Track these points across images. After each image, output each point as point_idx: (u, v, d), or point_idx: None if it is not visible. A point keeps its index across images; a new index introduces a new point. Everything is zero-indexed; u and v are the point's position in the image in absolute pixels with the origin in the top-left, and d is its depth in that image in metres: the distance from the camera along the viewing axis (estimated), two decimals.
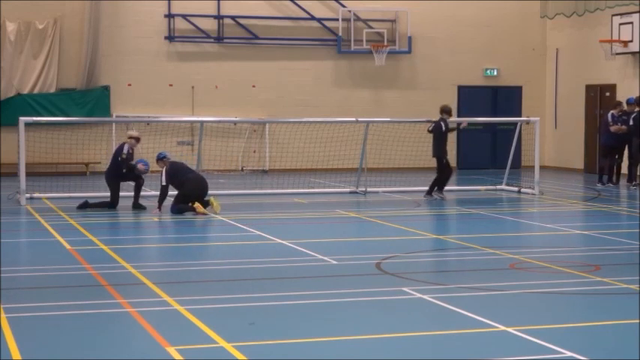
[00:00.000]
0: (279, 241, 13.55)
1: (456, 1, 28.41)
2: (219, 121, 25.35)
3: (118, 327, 8.37)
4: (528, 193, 20.46)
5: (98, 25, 25.97)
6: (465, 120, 22.50)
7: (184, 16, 26.84)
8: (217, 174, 25.23)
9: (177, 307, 8.98)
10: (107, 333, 8.14)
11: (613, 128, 22.81)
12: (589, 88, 27.38)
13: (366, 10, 28.02)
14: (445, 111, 20.06)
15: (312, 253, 12.37)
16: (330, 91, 27.92)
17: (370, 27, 28.04)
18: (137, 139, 17.96)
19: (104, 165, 26.03)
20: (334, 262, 11.70)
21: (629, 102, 22.85)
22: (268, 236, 14.00)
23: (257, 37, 27.34)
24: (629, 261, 11.86)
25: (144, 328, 8.18)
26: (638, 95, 23.28)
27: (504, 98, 28.91)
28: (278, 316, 8.71)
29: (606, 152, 23.09)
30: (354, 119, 23.07)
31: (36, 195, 19.21)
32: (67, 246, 12.96)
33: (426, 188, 19.98)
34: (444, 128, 19.74)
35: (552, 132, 28.85)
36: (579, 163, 27.69)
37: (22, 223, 16.16)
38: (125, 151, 17.68)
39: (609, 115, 23.08)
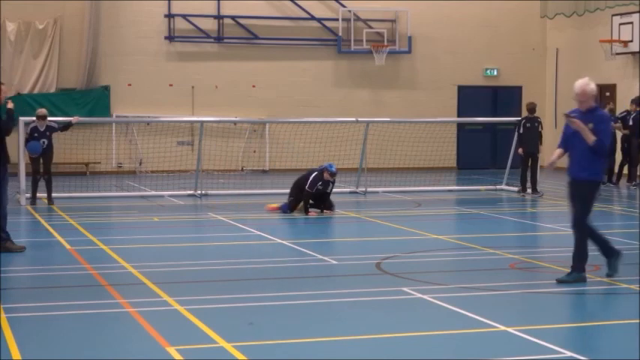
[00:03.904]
0: (279, 241, 13.55)
1: (456, 1, 28.42)
2: (219, 121, 25.36)
3: (118, 327, 8.36)
4: (528, 193, 20.44)
5: (98, 25, 25.98)
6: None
7: (184, 16, 26.84)
8: (217, 174, 25.24)
9: (177, 307, 8.98)
10: (107, 333, 8.14)
11: None
12: None
13: (366, 10, 28.02)
14: (532, 109, 20.75)
15: (312, 253, 12.36)
16: (330, 91, 27.92)
17: (370, 27, 28.04)
18: (37, 117, 18.58)
19: (104, 165, 26.19)
20: (334, 262, 11.70)
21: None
22: (268, 236, 14.00)
23: (257, 37, 27.34)
24: (629, 261, 11.85)
25: (144, 328, 8.18)
26: (638, 95, 23.29)
27: (504, 98, 28.91)
28: (278, 316, 8.70)
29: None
30: (354, 119, 23.06)
31: (36, 195, 19.19)
32: (67, 246, 12.96)
33: (426, 188, 20.03)
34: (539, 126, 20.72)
35: (552, 132, 28.84)
36: None
37: (22, 223, 16.14)
38: (27, 131, 18.62)
39: None
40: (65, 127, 19.12)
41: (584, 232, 10.32)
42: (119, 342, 7.85)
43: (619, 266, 10.46)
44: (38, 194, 18.51)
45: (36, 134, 18.35)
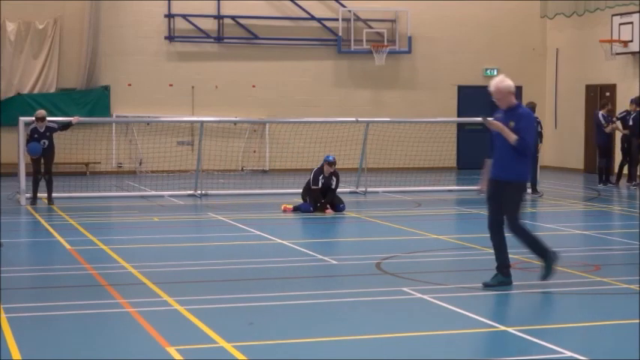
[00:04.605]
0: (279, 241, 13.55)
1: (456, 1, 28.41)
2: (219, 121, 25.35)
3: (118, 327, 8.36)
4: (528, 193, 20.43)
5: (98, 25, 25.97)
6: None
7: (184, 16, 26.84)
8: (217, 174, 25.23)
9: (177, 307, 8.98)
10: (107, 333, 8.14)
11: (609, 129, 22.83)
12: (589, 88, 27.38)
13: (366, 10, 28.01)
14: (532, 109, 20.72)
15: (312, 253, 12.37)
16: (330, 91, 27.92)
17: (370, 27, 28.04)
18: (36, 119, 18.55)
19: (104, 165, 26.19)
20: (334, 262, 11.70)
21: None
22: (268, 236, 14.00)
23: (257, 37, 27.34)
24: (629, 261, 11.87)
25: (144, 328, 8.18)
26: (638, 95, 23.29)
27: None
28: (278, 316, 8.70)
29: (603, 152, 23.12)
30: (354, 119, 23.06)
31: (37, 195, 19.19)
32: (67, 246, 12.96)
33: (426, 188, 20.11)
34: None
35: (552, 132, 28.85)
36: (579, 163, 27.69)
37: (22, 223, 16.16)
38: (27, 131, 18.61)
39: (600, 115, 23.06)
40: (65, 126, 19.19)
41: (523, 232, 9.94)
42: (119, 342, 7.84)
43: (554, 269, 9.94)
44: (38, 194, 18.51)
45: (36, 135, 18.38)
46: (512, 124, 9.76)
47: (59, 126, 18.94)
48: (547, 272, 9.99)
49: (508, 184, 9.83)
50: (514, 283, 10.30)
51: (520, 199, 9.94)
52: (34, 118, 18.64)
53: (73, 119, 19.47)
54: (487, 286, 9.89)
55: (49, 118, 18.85)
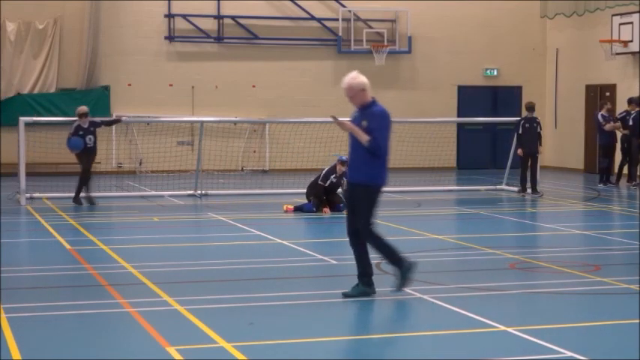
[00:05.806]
0: (279, 241, 13.55)
1: (456, 1, 28.41)
2: (219, 121, 25.35)
3: (118, 327, 8.37)
4: (528, 193, 20.43)
5: (98, 25, 25.97)
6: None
7: (184, 16, 26.84)
8: (217, 174, 25.24)
9: (177, 307, 8.98)
10: (107, 333, 8.14)
11: (608, 127, 22.84)
12: (589, 88, 27.38)
13: (366, 10, 28.02)
14: (531, 108, 20.75)
15: (312, 253, 12.37)
16: (330, 91, 27.89)
17: (370, 27, 28.04)
18: (78, 115, 18.30)
19: (104, 165, 26.19)
20: (334, 262, 11.70)
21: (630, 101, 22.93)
22: (268, 236, 14.00)
23: (257, 37, 27.34)
24: (629, 261, 11.86)
25: (144, 328, 8.18)
26: (638, 95, 23.30)
27: (504, 98, 28.91)
28: (278, 316, 8.70)
29: (607, 152, 23.12)
30: None
31: (36, 195, 19.20)
32: (67, 246, 12.96)
33: (426, 188, 20.09)
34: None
35: (552, 132, 28.86)
36: (579, 163, 27.69)
37: (22, 223, 16.15)
38: (71, 129, 18.25)
39: (599, 115, 23.07)
40: (110, 122, 19.18)
41: (375, 238, 9.30)
42: (119, 342, 7.85)
43: (410, 279, 9.38)
44: (38, 194, 18.38)
45: (81, 132, 18.09)
46: (364, 123, 9.20)
47: (103, 122, 18.81)
48: (402, 282, 9.34)
49: (359, 187, 9.24)
50: (514, 283, 10.31)
51: (372, 203, 9.23)
52: (76, 117, 18.35)
53: (123, 117, 19.42)
54: (347, 296, 9.27)
55: (94, 118, 18.68)
